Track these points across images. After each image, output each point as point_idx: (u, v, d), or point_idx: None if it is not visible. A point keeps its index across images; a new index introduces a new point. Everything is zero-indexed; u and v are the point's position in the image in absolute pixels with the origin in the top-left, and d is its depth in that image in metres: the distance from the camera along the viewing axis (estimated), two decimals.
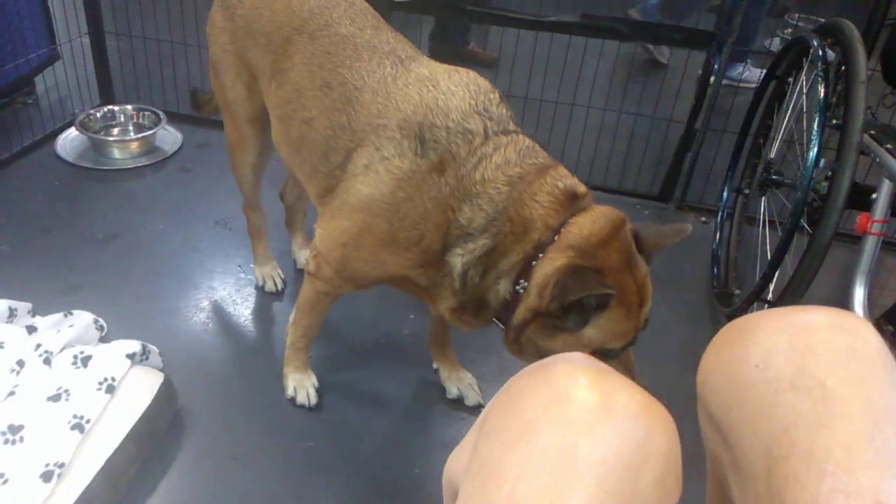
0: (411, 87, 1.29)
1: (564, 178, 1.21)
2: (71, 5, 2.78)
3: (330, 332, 1.90)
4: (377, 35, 1.44)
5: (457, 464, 0.61)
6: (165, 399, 1.57)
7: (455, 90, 1.27)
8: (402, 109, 1.27)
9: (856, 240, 1.70)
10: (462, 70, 1.33)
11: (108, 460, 1.40)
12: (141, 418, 1.48)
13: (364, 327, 1.96)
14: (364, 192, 1.27)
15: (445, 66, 1.36)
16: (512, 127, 1.29)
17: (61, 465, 1.33)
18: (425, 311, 1.99)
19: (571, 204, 1.19)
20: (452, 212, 1.21)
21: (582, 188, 1.22)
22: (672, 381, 1.80)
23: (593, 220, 1.16)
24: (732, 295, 2.06)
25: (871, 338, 0.59)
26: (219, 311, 1.96)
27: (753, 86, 2.35)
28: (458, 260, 1.23)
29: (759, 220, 2.09)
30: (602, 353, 1.15)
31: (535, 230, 1.17)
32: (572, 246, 1.14)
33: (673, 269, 2.32)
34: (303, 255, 2.11)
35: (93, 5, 2.78)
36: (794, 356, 0.59)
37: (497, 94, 1.31)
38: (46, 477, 1.31)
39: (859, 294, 1.61)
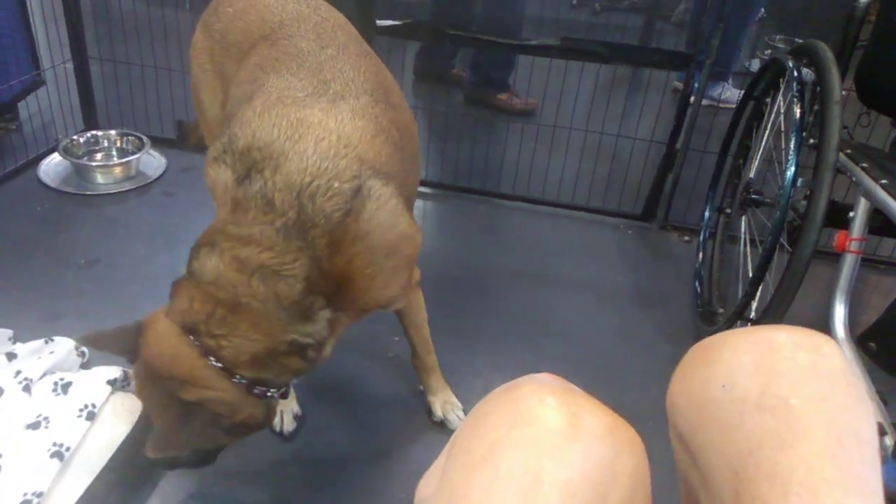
0: (282, 123, 1.20)
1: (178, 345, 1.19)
2: (55, 31, 2.79)
3: (342, 360, 1.88)
4: (336, 59, 1.39)
5: (427, 488, 0.61)
6: (146, 426, 1.55)
7: (306, 154, 1.16)
8: (256, 138, 1.19)
9: (837, 257, 1.72)
10: (345, 140, 1.20)
11: (88, 489, 1.38)
12: (121, 445, 1.47)
13: (347, 350, 1.95)
14: (212, 176, 1.25)
15: (344, 125, 1.23)
16: (302, 241, 1.14)
17: (39, 495, 1.32)
18: (439, 336, 1.99)
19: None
20: (202, 245, 1.20)
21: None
22: (656, 400, 1.80)
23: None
24: (716, 314, 2.07)
25: (834, 355, 0.59)
26: None
27: (733, 106, 2.37)
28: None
29: (741, 238, 2.10)
30: None
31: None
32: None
33: (657, 289, 2.34)
34: None
35: (77, 31, 2.78)
36: (758, 376, 0.59)
37: (347, 186, 1.15)
38: None
39: (839, 312, 1.62)
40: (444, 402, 1.75)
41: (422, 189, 2.77)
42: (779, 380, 0.58)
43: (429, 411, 1.75)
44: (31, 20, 2.75)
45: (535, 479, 0.51)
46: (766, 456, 0.54)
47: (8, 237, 2.29)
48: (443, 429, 1.72)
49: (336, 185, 1.15)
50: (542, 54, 2.56)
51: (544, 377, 0.62)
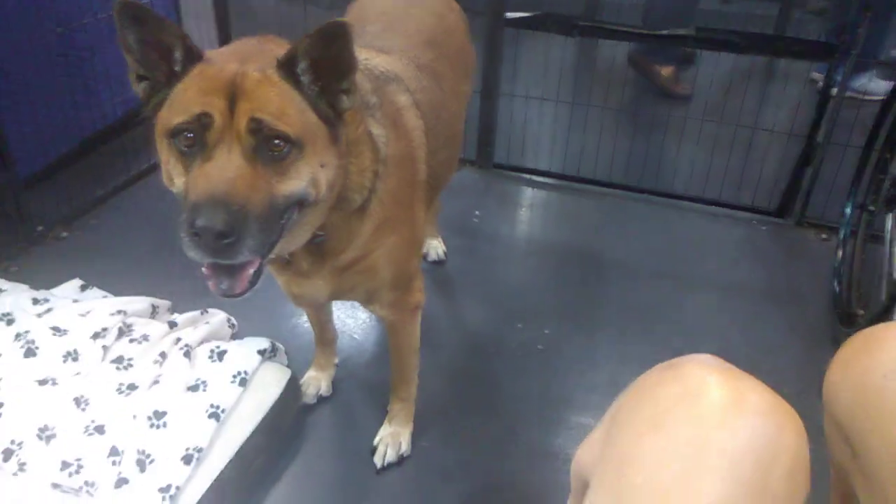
0: None
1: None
2: (205, 29, 2.99)
3: (466, 343, 1.98)
4: (389, 38, 1.58)
5: (587, 454, 0.65)
6: (291, 394, 1.67)
7: None
8: None
9: None
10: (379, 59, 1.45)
11: (241, 449, 1.51)
12: (270, 411, 1.59)
13: (475, 344, 2.02)
14: None
15: (379, 58, 1.46)
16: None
17: (199, 450, 1.45)
18: (562, 325, 2.03)
19: None
20: None
21: None
22: (791, 399, 1.76)
23: None
24: (856, 315, 1.98)
25: None
26: (343, 311, 2.05)
27: (878, 98, 2.26)
28: None
29: (886, 237, 2.00)
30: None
31: None
32: None
33: (791, 287, 2.26)
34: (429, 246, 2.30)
35: (224, 29, 2.98)
36: None
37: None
38: (187, 460, 1.43)
39: None
40: (392, 434, 1.66)
41: (545, 180, 2.79)
42: None
43: (553, 399, 1.79)
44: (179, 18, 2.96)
45: (702, 448, 0.54)
46: None
47: (163, 216, 2.44)
48: (566, 413, 1.75)
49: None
50: (675, 44, 2.52)
51: (706, 357, 0.64)
